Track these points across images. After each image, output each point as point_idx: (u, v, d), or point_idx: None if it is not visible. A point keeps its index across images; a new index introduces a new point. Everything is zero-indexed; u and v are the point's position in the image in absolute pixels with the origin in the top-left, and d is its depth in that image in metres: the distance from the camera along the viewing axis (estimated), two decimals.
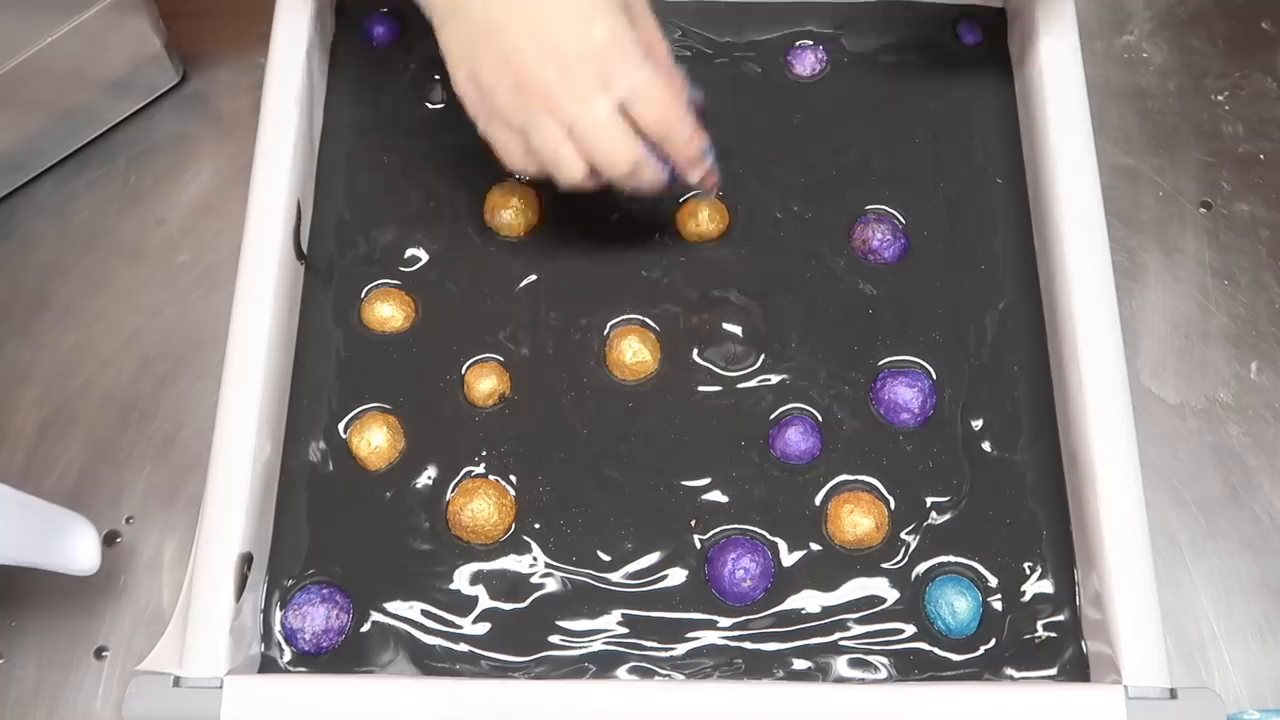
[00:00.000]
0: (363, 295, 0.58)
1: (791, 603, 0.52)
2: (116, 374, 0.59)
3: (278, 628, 0.52)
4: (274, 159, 0.57)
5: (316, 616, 0.51)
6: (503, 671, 0.51)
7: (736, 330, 0.57)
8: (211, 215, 0.63)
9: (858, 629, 0.52)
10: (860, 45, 0.64)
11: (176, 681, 0.47)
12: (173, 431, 0.58)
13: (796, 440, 0.55)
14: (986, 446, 0.55)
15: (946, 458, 0.55)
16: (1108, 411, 0.52)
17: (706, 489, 0.54)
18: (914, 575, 0.53)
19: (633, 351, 0.56)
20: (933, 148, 0.61)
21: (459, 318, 0.58)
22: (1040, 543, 0.53)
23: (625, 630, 0.52)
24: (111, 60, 0.62)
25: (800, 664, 0.51)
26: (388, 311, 0.57)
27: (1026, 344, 0.57)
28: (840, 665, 0.51)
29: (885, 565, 0.53)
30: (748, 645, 0.52)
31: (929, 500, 0.54)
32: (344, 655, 0.51)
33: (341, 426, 0.55)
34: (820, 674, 0.51)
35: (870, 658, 0.51)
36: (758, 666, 0.51)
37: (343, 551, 0.53)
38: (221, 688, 0.47)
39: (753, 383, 0.56)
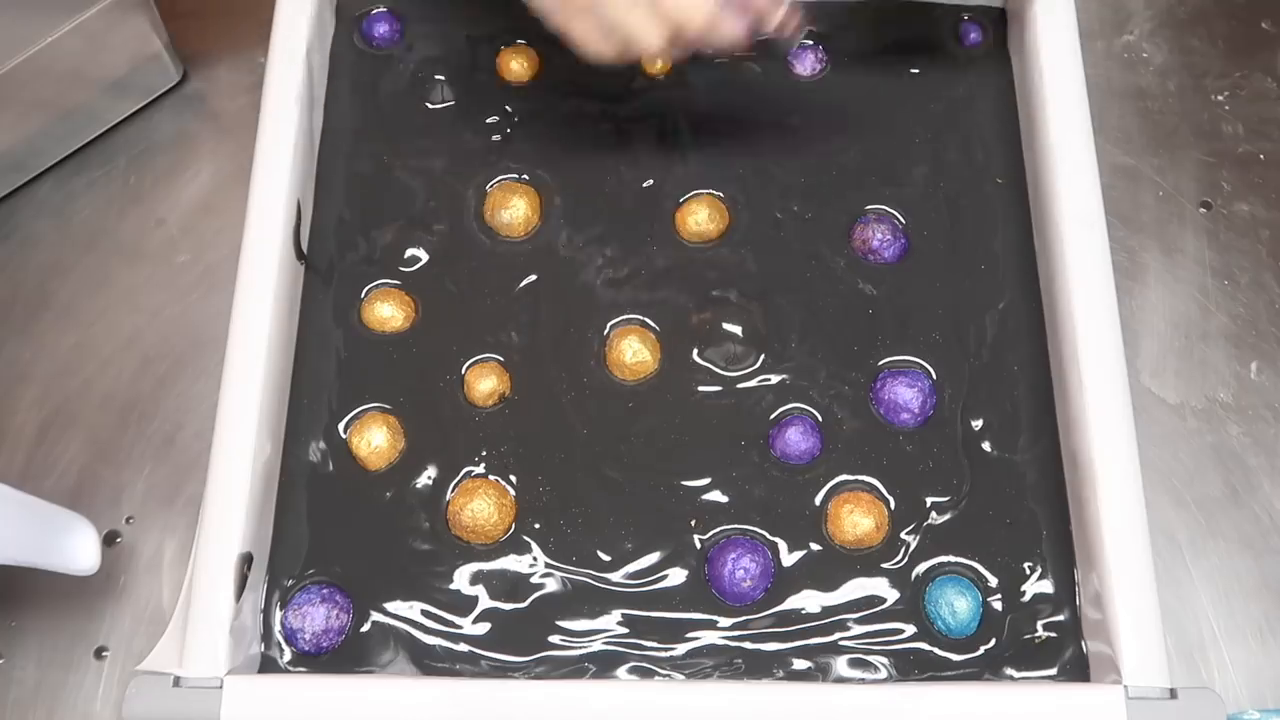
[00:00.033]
0: (363, 295, 0.58)
1: (791, 603, 0.52)
2: (116, 374, 0.59)
3: (278, 628, 0.52)
4: (274, 159, 0.57)
5: (316, 616, 0.51)
6: (503, 671, 0.51)
7: (736, 330, 0.57)
8: (211, 215, 0.63)
9: (858, 629, 0.52)
10: (860, 45, 0.64)
11: (176, 681, 0.47)
12: (173, 431, 0.58)
13: (796, 440, 0.55)
14: (986, 446, 0.55)
15: (946, 458, 0.55)
16: (1108, 411, 0.52)
17: (706, 489, 0.54)
18: (914, 575, 0.53)
19: (633, 351, 0.56)
20: (933, 148, 0.61)
21: (459, 318, 0.58)
22: (1040, 543, 0.53)
23: (625, 630, 0.52)
24: (111, 60, 0.62)
25: (800, 664, 0.51)
26: (388, 311, 0.57)
27: (1026, 344, 0.57)
28: (840, 665, 0.51)
29: (885, 565, 0.53)
30: (748, 645, 0.52)
31: (929, 500, 0.54)
32: (344, 655, 0.51)
33: (341, 426, 0.55)
34: (820, 674, 0.51)
35: (870, 658, 0.51)
36: (758, 666, 0.51)
37: (343, 551, 0.53)
38: (221, 688, 0.47)
39: (753, 383, 0.56)
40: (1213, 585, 0.55)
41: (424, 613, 0.52)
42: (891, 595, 0.52)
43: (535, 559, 0.53)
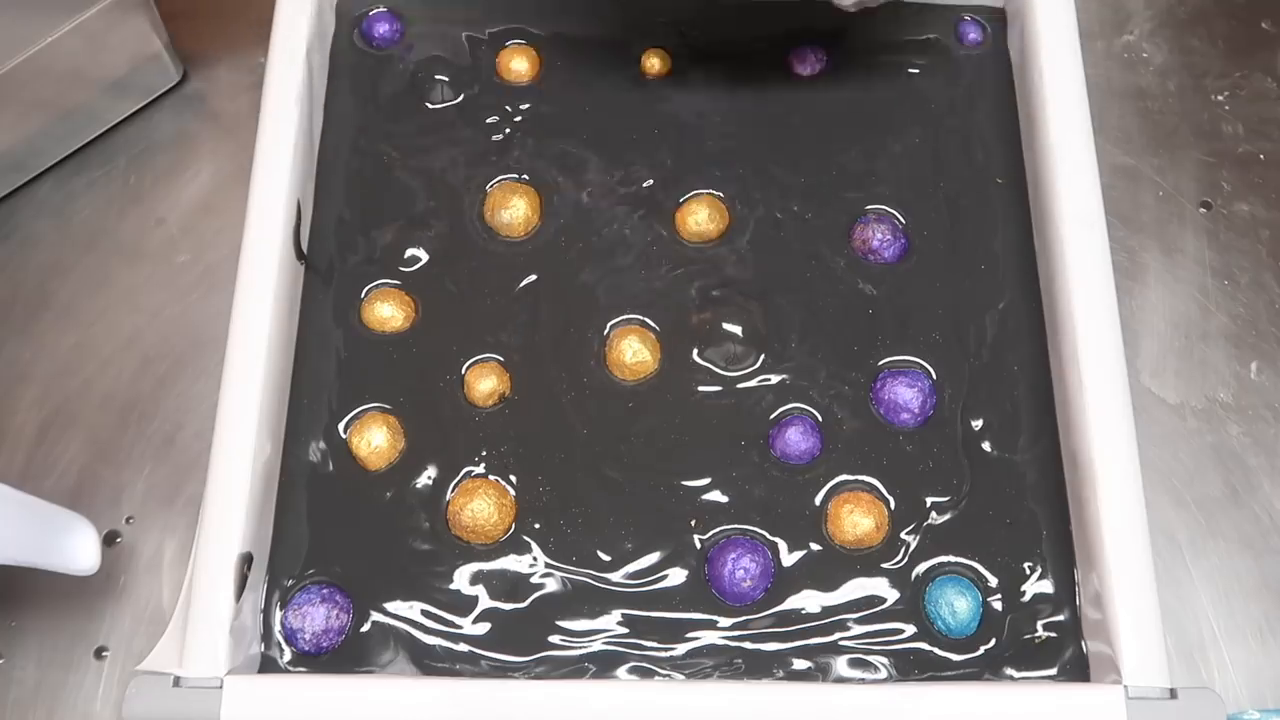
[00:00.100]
0: (363, 295, 0.58)
1: (791, 603, 0.52)
2: (116, 374, 0.59)
3: (278, 628, 0.52)
4: (274, 159, 0.57)
5: (316, 616, 0.51)
6: (503, 671, 0.51)
7: (736, 330, 0.57)
8: (211, 215, 0.63)
9: (858, 629, 0.52)
10: (860, 45, 0.64)
11: (176, 681, 0.47)
12: (173, 431, 0.58)
13: (796, 440, 0.55)
14: (986, 446, 0.55)
15: (946, 458, 0.55)
16: (1108, 411, 0.52)
17: (706, 489, 0.54)
18: (914, 575, 0.53)
19: (633, 351, 0.56)
20: (933, 148, 0.61)
21: (459, 318, 0.58)
22: (1040, 543, 0.53)
23: (625, 630, 0.52)
24: (111, 60, 0.62)
25: (800, 664, 0.51)
26: (388, 311, 0.57)
27: (1026, 344, 0.57)
28: (840, 665, 0.51)
29: (885, 565, 0.53)
30: (748, 645, 0.52)
31: (929, 500, 0.54)
32: (344, 655, 0.51)
33: (341, 426, 0.55)
34: (820, 674, 0.51)
35: (870, 658, 0.51)
36: (758, 666, 0.51)
37: (343, 551, 0.53)
38: (221, 688, 0.47)
39: (753, 383, 0.56)
40: (1213, 585, 0.55)
41: (424, 613, 0.52)
42: (891, 595, 0.52)
43: (535, 559, 0.53)
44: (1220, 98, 0.66)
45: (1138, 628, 0.48)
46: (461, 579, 0.53)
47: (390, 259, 0.59)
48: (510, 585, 0.53)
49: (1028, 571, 0.53)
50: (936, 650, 0.51)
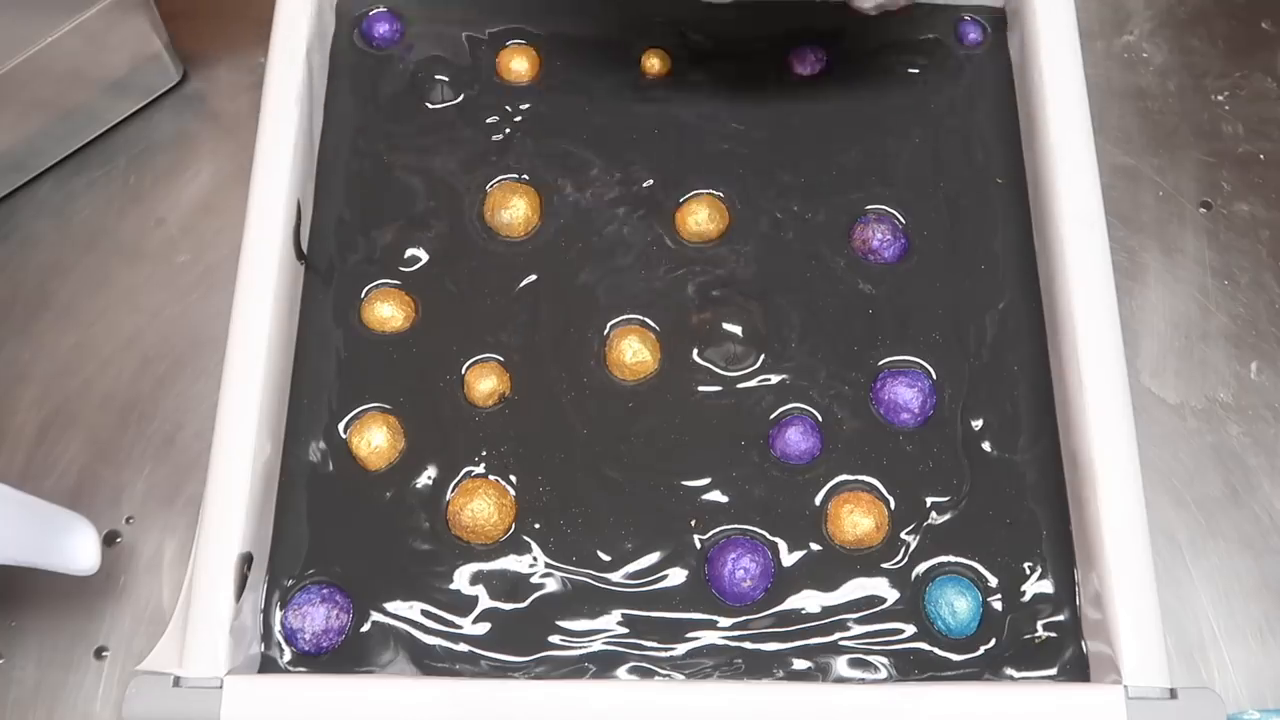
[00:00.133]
0: (363, 295, 0.58)
1: (791, 603, 0.52)
2: (116, 374, 0.59)
3: (278, 628, 0.52)
4: (274, 159, 0.57)
5: (316, 616, 0.51)
6: (503, 671, 0.51)
7: (736, 330, 0.57)
8: (211, 215, 0.63)
9: (858, 629, 0.52)
10: (860, 45, 0.64)
11: (176, 681, 0.47)
12: (173, 431, 0.58)
13: (796, 440, 0.55)
14: (986, 446, 0.55)
15: (946, 458, 0.55)
16: (1108, 411, 0.52)
17: (706, 489, 0.54)
18: (914, 575, 0.53)
19: (633, 351, 0.56)
20: (933, 148, 0.61)
21: (459, 318, 0.58)
22: (1040, 543, 0.53)
23: (625, 630, 0.52)
24: (111, 60, 0.62)
25: (800, 664, 0.51)
26: (388, 311, 0.57)
27: (1026, 344, 0.57)
28: (840, 665, 0.51)
29: (885, 565, 0.53)
30: (748, 645, 0.52)
31: (929, 500, 0.54)
32: (344, 655, 0.51)
33: (341, 426, 0.55)
34: (820, 674, 0.51)
35: (870, 658, 0.51)
36: (758, 666, 0.51)
37: (343, 551, 0.53)
38: (221, 688, 0.47)
39: (753, 383, 0.56)
40: (1213, 585, 0.55)
41: (424, 613, 0.52)
42: (891, 595, 0.52)
43: (535, 559, 0.53)
44: (1220, 98, 0.66)
45: (1138, 628, 0.48)
46: (461, 579, 0.53)
47: (390, 259, 0.59)
48: (510, 585, 0.53)
49: (1028, 571, 0.53)
50: (936, 650, 0.51)
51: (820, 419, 0.56)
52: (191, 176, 0.64)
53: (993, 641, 0.52)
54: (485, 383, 0.56)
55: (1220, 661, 0.54)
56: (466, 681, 0.48)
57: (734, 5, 0.65)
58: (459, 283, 0.59)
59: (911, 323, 0.57)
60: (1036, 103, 0.59)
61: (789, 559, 0.53)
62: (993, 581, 0.53)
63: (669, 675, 0.51)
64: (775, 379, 0.56)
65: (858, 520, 0.53)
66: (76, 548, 0.49)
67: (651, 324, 0.58)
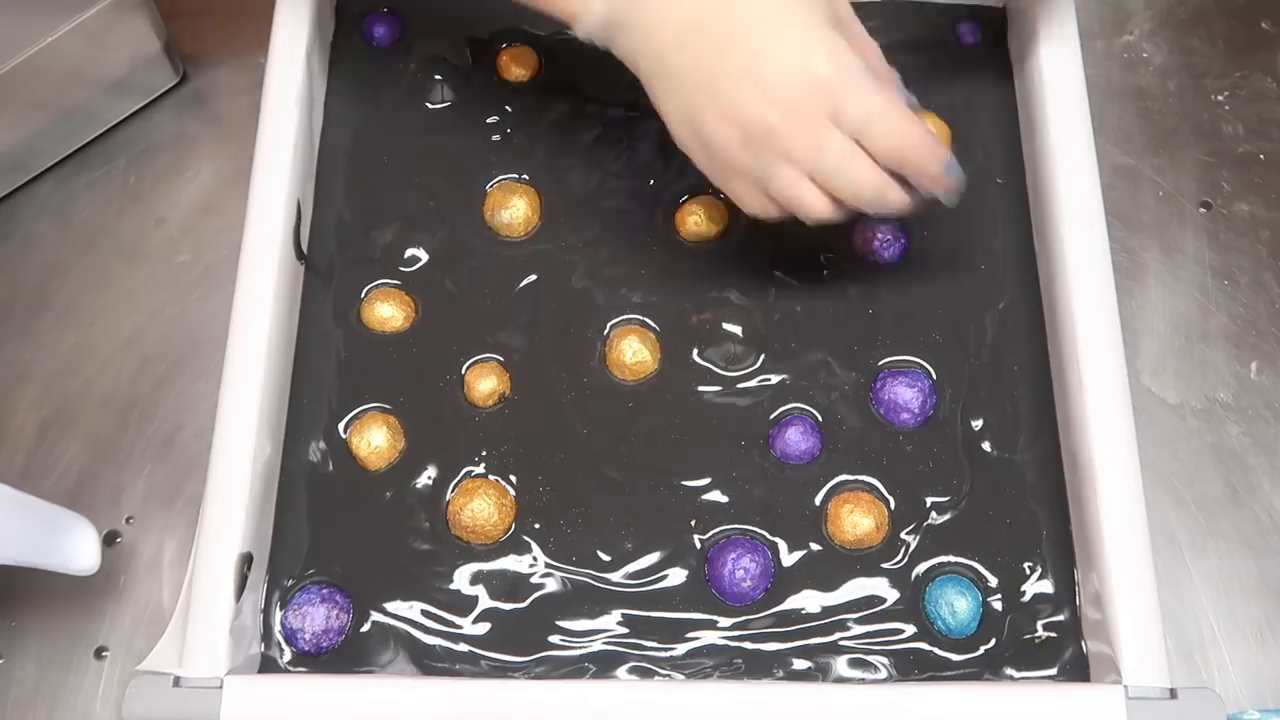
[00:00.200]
0: (363, 295, 0.58)
1: (791, 603, 0.52)
2: (116, 374, 0.59)
3: (278, 628, 0.52)
4: (274, 159, 0.57)
5: (316, 616, 0.51)
6: (503, 671, 0.51)
7: (736, 330, 0.57)
8: (211, 215, 0.63)
9: (858, 629, 0.52)
10: None
11: (176, 681, 0.47)
12: (173, 431, 0.58)
13: (796, 440, 0.55)
14: (986, 446, 0.55)
15: (946, 458, 0.55)
16: (1108, 411, 0.52)
17: (706, 489, 0.54)
18: (914, 575, 0.53)
19: (633, 351, 0.56)
20: None
21: (459, 318, 0.58)
22: (1040, 543, 0.53)
23: (625, 630, 0.52)
24: (111, 60, 0.62)
25: (800, 664, 0.51)
26: (388, 311, 0.57)
27: (1026, 344, 0.57)
28: (840, 665, 0.51)
29: (885, 565, 0.53)
30: (748, 645, 0.52)
31: (929, 500, 0.54)
32: (344, 655, 0.51)
33: (341, 426, 0.55)
34: (820, 674, 0.51)
35: (870, 658, 0.51)
36: (758, 666, 0.51)
37: (343, 551, 0.53)
38: (221, 688, 0.47)
39: (753, 383, 0.56)
40: (1213, 585, 0.55)
41: (424, 613, 0.52)
42: (891, 595, 0.52)
43: (535, 559, 0.53)
44: (1220, 98, 0.66)
45: (1138, 628, 0.48)
46: (461, 579, 0.53)
47: (390, 259, 0.59)
48: (510, 585, 0.53)
49: (1028, 571, 0.53)
50: (936, 650, 0.51)
51: (820, 419, 0.56)
52: (191, 176, 0.64)
53: (993, 641, 0.52)
54: (485, 383, 0.56)
55: (1220, 661, 0.54)
56: (466, 681, 0.48)
57: None
58: (459, 283, 0.59)
59: (911, 323, 0.57)
60: (1036, 103, 0.59)
61: (789, 559, 0.53)
62: (993, 581, 0.53)
63: (669, 675, 0.51)
64: (775, 379, 0.56)
65: (858, 520, 0.53)
66: (76, 548, 0.49)
67: (651, 324, 0.58)
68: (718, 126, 0.48)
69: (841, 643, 0.51)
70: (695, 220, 0.59)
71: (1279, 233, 0.62)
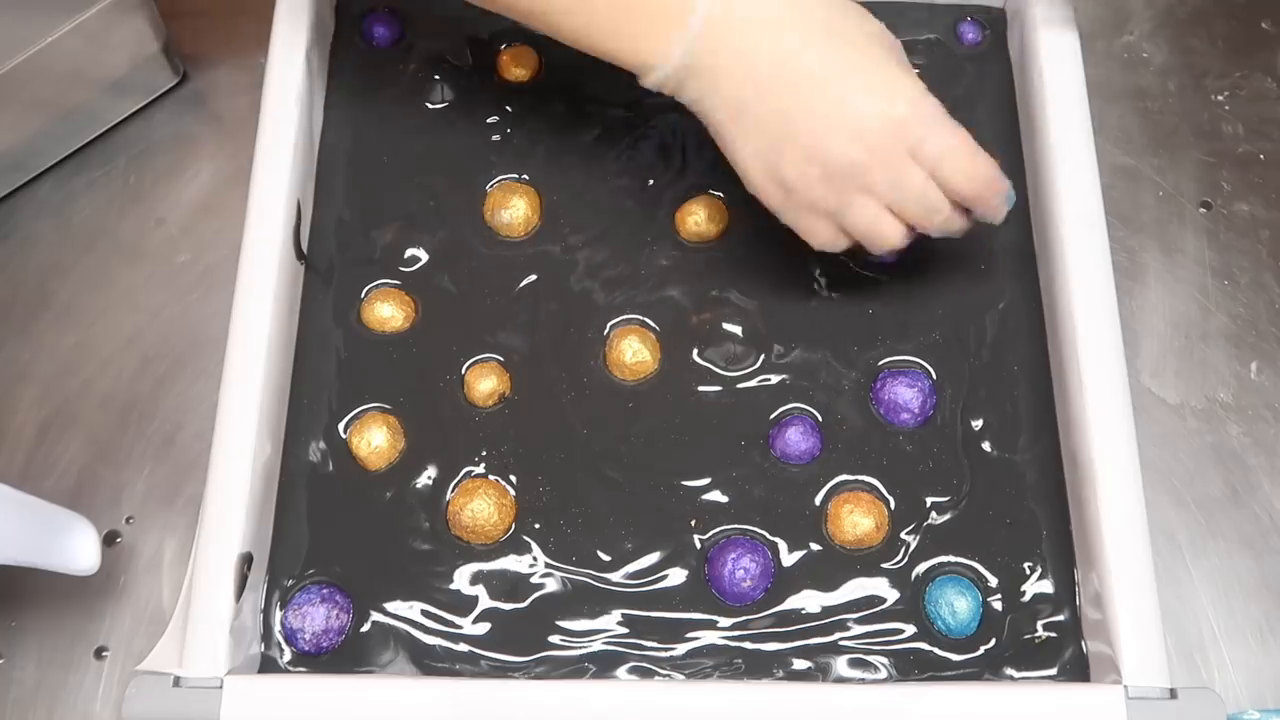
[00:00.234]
0: (363, 295, 0.58)
1: (791, 603, 0.52)
2: (116, 374, 0.59)
3: (278, 628, 0.52)
4: (274, 159, 0.57)
5: (316, 616, 0.51)
6: (503, 671, 0.51)
7: (736, 330, 0.57)
8: (211, 215, 0.63)
9: (858, 629, 0.52)
10: None
11: (176, 681, 0.47)
12: (173, 431, 0.58)
13: (796, 440, 0.55)
14: (986, 446, 0.55)
15: (946, 458, 0.55)
16: (1108, 411, 0.52)
17: (706, 489, 0.54)
18: (914, 575, 0.53)
19: (633, 351, 0.56)
20: None
21: (459, 318, 0.58)
22: (1040, 543, 0.53)
23: (625, 630, 0.52)
24: (111, 60, 0.62)
25: (800, 664, 0.51)
26: (388, 311, 0.57)
27: (1026, 344, 0.57)
28: (840, 665, 0.51)
29: (885, 565, 0.53)
30: (748, 645, 0.52)
31: (929, 500, 0.54)
32: (344, 655, 0.51)
33: (341, 426, 0.55)
34: (820, 674, 0.51)
35: (870, 658, 0.51)
36: (758, 666, 0.51)
37: (343, 551, 0.53)
38: (221, 688, 0.47)
39: (753, 383, 0.56)
40: (1213, 585, 0.55)
41: (424, 613, 0.52)
42: (891, 595, 0.52)
43: (535, 559, 0.53)
44: (1220, 98, 0.66)
45: (1138, 628, 0.48)
46: (461, 579, 0.53)
47: (390, 259, 0.59)
48: (510, 585, 0.53)
49: (1028, 571, 0.53)
50: (936, 650, 0.51)
51: (820, 419, 0.56)
52: (191, 176, 0.64)
53: (993, 641, 0.52)
54: (485, 383, 0.56)
55: (1220, 661, 0.54)
56: (466, 681, 0.48)
57: None
58: (459, 283, 0.59)
59: (911, 323, 0.57)
60: (1036, 103, 0.59)
61: (789, 559, 0.53)
62: (993, 581, 0.53)
63: (669, 675, 0.51)
64: (775, 379, 0.56)
65: (858, 520, 0.53)
66: (76, 548, 0.49)
67: (651, 324, 0.58)
68: (799, 167, 0.49)
69: (841, 643, 0.51)
70: (695, 220, 0.59)
71: (1279, 233, 0.62)
